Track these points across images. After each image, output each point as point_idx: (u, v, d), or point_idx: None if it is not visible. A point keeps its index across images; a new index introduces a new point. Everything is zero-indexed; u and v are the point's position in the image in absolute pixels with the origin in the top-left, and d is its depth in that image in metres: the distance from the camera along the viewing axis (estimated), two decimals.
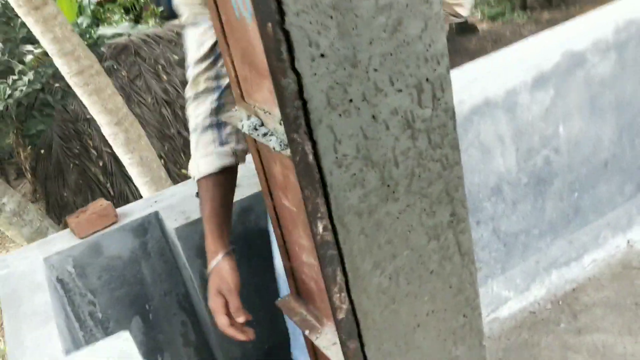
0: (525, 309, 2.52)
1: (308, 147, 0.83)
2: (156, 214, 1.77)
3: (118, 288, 1.76)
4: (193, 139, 1.30)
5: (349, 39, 0.80)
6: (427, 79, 0.91)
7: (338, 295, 0.95)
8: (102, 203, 1.76)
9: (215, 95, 1.27)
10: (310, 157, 0.84)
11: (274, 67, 0.78)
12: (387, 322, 1.04)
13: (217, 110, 1.28)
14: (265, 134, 1.02)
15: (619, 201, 2.76)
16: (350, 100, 0.84)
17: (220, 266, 1.28)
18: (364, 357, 1.03)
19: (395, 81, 0.88)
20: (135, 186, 4.80)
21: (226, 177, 1.30)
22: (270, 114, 1.02)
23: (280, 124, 0.94)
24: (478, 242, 2.41)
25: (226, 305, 1.28)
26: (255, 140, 1.09)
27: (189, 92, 1.30)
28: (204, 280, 1.61)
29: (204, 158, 1.29)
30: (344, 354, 1.01)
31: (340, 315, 0.96)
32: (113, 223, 1.74)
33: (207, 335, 1.86)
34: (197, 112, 1.29)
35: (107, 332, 1.75)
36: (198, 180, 1.30)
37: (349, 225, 0.92)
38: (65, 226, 1.78)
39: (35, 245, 1.80)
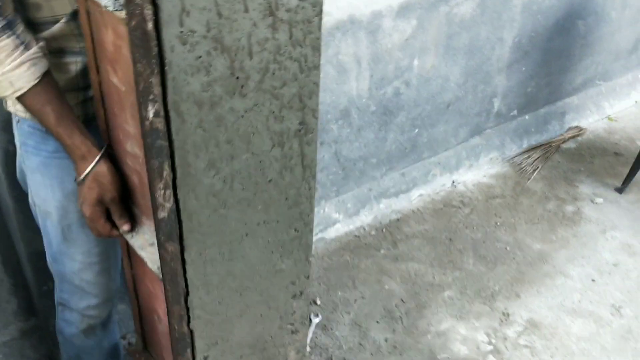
0: (351, 233, 2.59)
1: (148, 12, 0.69)
2: None
3: None
4: None
5: None
6: None
7: (162, 192, 0.84)
8: None
9: None
10: (149, 25, 0.70)
11: None
12: (214, 227, 0.95)
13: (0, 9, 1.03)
14: None
15: (452, 143, 2.89)
16: None
17: (98, 171, 1.08)
18: (182, 262, 0.95)
19: None
20: None
21: (48, 79, 1.07)
22: None
23: None
24: (319, 163, 2.39)
25: (106, 212, 1.12)
26: None
27: None
28: (9, 157, 1.40)
29: (16, 71, 1.03)
30: (161, 256, 0.91)
31: (162, 214, 0.86)
32: None
33: (7, 221, 1.66)
34: None
35: None
36: (19, 97, 1.06)
37: (185, 115, 0.81)
38: None
39: None
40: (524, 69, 2.92)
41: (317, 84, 0.93)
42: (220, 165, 0.90)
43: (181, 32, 0.73)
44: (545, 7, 2.75)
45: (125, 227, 1.12)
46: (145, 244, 1.05)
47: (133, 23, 0.70)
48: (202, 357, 1.07)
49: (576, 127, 3.38)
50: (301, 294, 1.18)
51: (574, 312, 2.23)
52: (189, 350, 1.03)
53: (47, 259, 1.38)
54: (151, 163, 0.82)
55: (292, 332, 1.23)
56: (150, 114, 0.78)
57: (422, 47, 2.37)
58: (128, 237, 1.12)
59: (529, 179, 2.97)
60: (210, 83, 0.80)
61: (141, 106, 0.76)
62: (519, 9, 2.64)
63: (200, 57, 0.77)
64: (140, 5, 0.68)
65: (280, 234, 1.06)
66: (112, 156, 1.11)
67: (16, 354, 1.81)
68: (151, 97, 0.76)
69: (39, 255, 1.54)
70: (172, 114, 0.79)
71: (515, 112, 3.08)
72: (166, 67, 0.74)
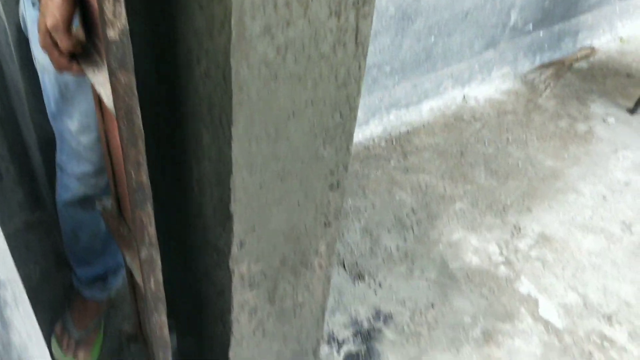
0: (360, 143, 2.54)
1: None
2: None
3: None
4: None
5: None
6: None
7: (111, 5, 0.70)
8: None
9: None
10: None
11: None
12: (263, 102, 0.88)
13: None
14: None
15: (467, 55, 2.80)
16: None
17: None
18: (229, 139, 0.88)
19: None
20: None
21: None
22: None
23: None
24: None
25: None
26: None
27: None
28: (22, 37, 1.30)
29: None
30: (112, 87, 0.76)
31: (111, 34, 0.69)
32: None
33: (14, 106, 1.56)
34: None
35: None
36: None
37: None
38: None
39: None
40: None
41: None
42: (275, 31, 0.82)
43: None
44: None
45: (73, 66, 1.00)
46: (105, 80, 0.87)
47: None
48: (238, 241, 1.03)
49: (589, 47, 3.29)
50: (338, 185, 1.13)
51: (585, 228, 2.23)
52: (148, 204, 0.89)
53: (49, 117, 1.32)
54: None
55: (325, 224, 1.19)
56: None
57: None
58: (89, 72, 0.99)
59: (540, 96, 2.91)
60: None
61: None
62: None
63: None
64: None
65: (325, 117, 1.00)
66: None
67: (21, 247, 1.76)
68: None
69: (49, 143, 1.46)
70: None
71: (530, 26, 2.98)
72: None
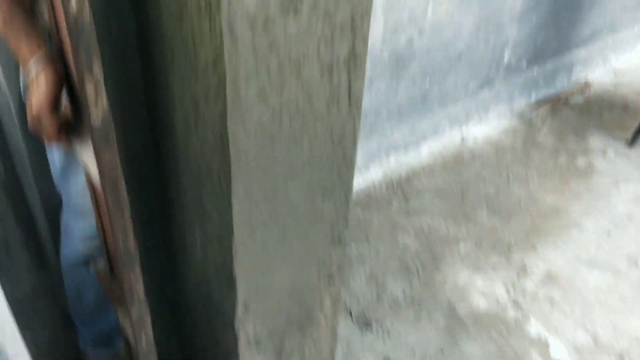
0: (361, 188, 2.54)
1: None
2: None
3: None
4: None
5: None
6: None
7: (93, 91, 0.74)
8: None
9: None
10: None
11: None
12: (261, 164, 0.89)
13: None
14: None
15: (462, 96, 2.83)
16: None
17: (35, 77, 1.01)
18: (229, 204, 0.89)
19: None
20: None
21: None
22: None
23: None
24: None
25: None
26: None
27: None
28: (23, 105, 1.32)
29: None
30: (98, 165, 0.82)
31: (94, 116, 0.76)
32: None
33: (19, 172, 1.58)
34: None
35: None
36: None
37: (239, 37, 0.74)
38: None
39: None
40: (535, 19, 2.84)
41: (370, 5, 0.86)
42: (270, 94, 0.83)
43: None
44: None
45: (61, 137, 1.04)
46: (92, 154, 0.95)
47: None
48: (243, 302, 1.02)
49: (584, 81, 3.33)
50: (339, 239, 1.13)
51: (591, 264, 2.21)
52: (136, 266, 0.94)
53: (53, 179, 1.33)
54: (78, 60, 0.74)
55: (329, 279, 1.18)
56: (74, 6, 0.70)
57: None
58: (77, 146, 1.02)
59: (538, 133, 2.93)
60: (265, 1, 0.73)
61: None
62: None
63: None
64: None
65: (323, 174, 1.00)
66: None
67: (29, 311, 1.75)
68: None
69: (52, 206, 1.47)
70: (225, 36, 0.72)
71: (524, 64, 3.02)
72: None
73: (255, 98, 0.82)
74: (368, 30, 0.89)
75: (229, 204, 0.89)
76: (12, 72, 1.36)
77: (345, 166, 1.03)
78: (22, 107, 1.36)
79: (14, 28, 1.01)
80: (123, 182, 0.82)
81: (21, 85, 1.28)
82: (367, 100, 2.42)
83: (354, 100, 0.96)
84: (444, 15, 2.37)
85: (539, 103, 3.13)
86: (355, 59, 0.91)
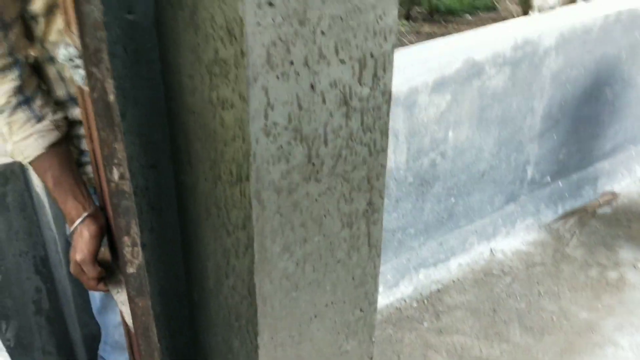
0: (392, 305, 2.56)
1: (109, 85, 0.74)
2: (20, 163, 1.55)
3: None
4: (2, 123, 1.16)
5: None
6: (371, 54, 0.83)
7: (130, 249, 0.85)
8: None
9: (15, 72, 1.13)
10: (111, 97, 0.75)
11: None
12: (286, 310, 0.96)
13: (21, 88, 1.15)
14: (77, 66, 0.93)
15: (488, 211, 2.89)
16: (292, 63, 0.75)
17: (80, 230, 1.15)
18: (255, 347, 0.95)
19: (340, 50, 0.80)
20: None
21: (56, 149, 1.17)
22: None
23: None
24: None
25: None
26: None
27: None
28: (67, 243, 1.44)
29: (25, 141, 1.17)
30: (132, 311, 0.91)
31: (130, 270, 0.86)
32: None
33: (62, 306, 1.68)
34: None
35: None
36: (30, 163, 1.18)
37: (266, 203, 0.83)
38: None
39: None
40: (555, 136, 2.94)
41: (384, 166, 0.96)
42: (294, 248, 0.91)
43: (265, 124, 0.77)
44: (574, 76, 2.80)
45: (100, 287, 1.16)
46: (127, 299, 1.05)
47: (95, 94, 0.75)
48: None
49: (610, 192, 3.37)
50: None
51: None
52: None
53: (93, 313, 1.41)
54: (117, 221, 0.84)
55: None
56: (116, 177, 0.81)
57: (457, 119, 2.42)
58: (113, 292, 1.12)
59: (567, 246, 2.94)
60: (289, 171, 0.83)
61: (106, 169, 0.80)
62: (548, 79, 2.69)
63: (281, 146, 0.80)
64: (100, 79, 0.73)
65: (346, 314, 1.06)
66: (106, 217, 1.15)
67: None
68: (115, 161, 0.80)
69: (92, 339, 1.55)
70: (253, 202, 0.81)
71: (548, 178, 3.09)
72: (251, 158, 0.77)
73: (280, 252, 0.90)
74: (384, 185, 0.98)
75: (256, 348, 0.95)
76: (60, 211, 1.49)
77: (368, 304, 1.09)
78: (67, 247, 1.48)
79: (62, 190, 1.15)
80: (154, 328, 0.89)
81: (67, 229, 1.40)
82: (395, 220, 2.50)
83: (373, 244, 1.03)
84: (464, 139, 2.49)
85: (566, 215, 3.17)
86: (373, 210, 0.99)
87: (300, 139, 0.82)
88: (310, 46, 0.76)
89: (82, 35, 0.71)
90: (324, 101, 0.81)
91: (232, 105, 0.78)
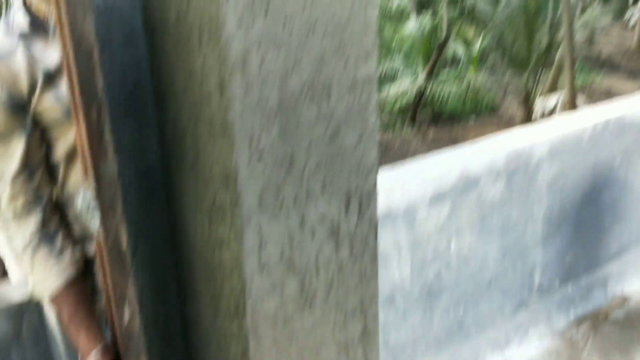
0: None
1: (122, 234, 0.80)
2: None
3: None
4: (26, 260, 1.23)
5: (289, 140, 0.79)
6: (356, 190, 0.90)
7: None
8: None
9: (39, 210, 1.22)
10: (124, 245, 0.81)
11: (94, 150, 0.77)
12: None
13: (44, 225, 1.22)
14: (94, 212, 0.99)
15: (498, 319, 2.87)
16: (282, 203, 0.81)
17: None
18: None
19: (327, 187, 0.86)
20: None
21: (73, 285, 1.22)
22: None
23: None
24: None
25: None
26: None
27: (4, 213, 1.22)
28: None
29: (45, 278, 1.22)
30: None
31: None
32: None
33: None
34: (23, 231, 1.21)
35: None
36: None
37: (261, 335, 0.87)
38: None
39: None
40: (559, 241, 2.97)
41: (376, 292, 0.99)
42: None
43: (260, 261, 0.82)
44: (570, 183, 2.88)
45: None
46: None
47: (109, 244, 0.80)
48: None
49: (621, 295, 3.33)
50: None
51: None
52: None
53: None
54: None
55: None
56: (126, 317, 0.85)
57: (458, 229, 2.46)
58: None
59: (582, 353, 2.88)
60: (283, 302, 0.87)
61: (117, 311, 0.84)
62: (544, 187, 2.76)
63: (274, 280, 0.85)
64: (114, 229, 0.79)
65: None
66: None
67: None
68: (127, 302, 0.84)
69: None
70: (250, 336, 0.85)
71: (557, 283, 3.08)
72: (246, 293, 0.82)
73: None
74: (377, 310, 1.02)
75: None
76: (72, 345, 1.51)
77: None
78: None
79: (76, 323, 1.18)
80: None
81: None
82: (403, 335, 2.48)
83: None
84: (467, 248, 2.52)
85: (579, 320, 3.12)
86: (368, 336, 1.02)
87: (293, 271, 0.87)
88: (299, 187, 0.83)
89: (98, 189, 0.78)
90: (313, 235, 0.87)
91: (229, 245, 0.84)
